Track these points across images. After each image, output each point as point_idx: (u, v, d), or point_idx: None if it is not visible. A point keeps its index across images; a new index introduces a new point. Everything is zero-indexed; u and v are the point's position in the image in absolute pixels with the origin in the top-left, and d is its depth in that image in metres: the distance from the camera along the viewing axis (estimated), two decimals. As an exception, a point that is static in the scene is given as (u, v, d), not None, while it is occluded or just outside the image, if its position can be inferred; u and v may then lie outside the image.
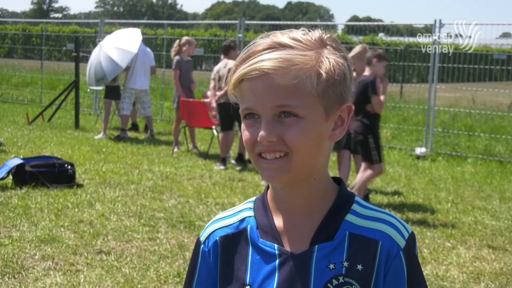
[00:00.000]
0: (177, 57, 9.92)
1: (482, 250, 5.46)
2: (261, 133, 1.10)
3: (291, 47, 1.11)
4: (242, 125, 1.16)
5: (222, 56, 9.14)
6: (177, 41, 10.21)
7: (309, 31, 1.16)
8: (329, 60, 1.12)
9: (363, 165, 6.68)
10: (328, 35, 1.16)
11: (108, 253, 4.88)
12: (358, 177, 6.72)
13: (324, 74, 1.10)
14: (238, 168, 8.67)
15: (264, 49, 1.12)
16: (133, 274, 4.48)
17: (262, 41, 1.13)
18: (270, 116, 1.10)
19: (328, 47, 1.14)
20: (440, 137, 11.39)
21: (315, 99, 1.11)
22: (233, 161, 8.91)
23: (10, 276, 4.33)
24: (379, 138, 6.68)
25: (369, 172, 6.53)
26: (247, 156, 8.79)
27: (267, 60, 1.09)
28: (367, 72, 6.56)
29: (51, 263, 4.60)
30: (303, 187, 1.17)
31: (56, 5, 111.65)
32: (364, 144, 6.51)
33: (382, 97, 6.66)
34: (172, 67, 10.13)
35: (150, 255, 4.89)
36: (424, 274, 1.21)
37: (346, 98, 1.16)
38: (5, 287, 4.18)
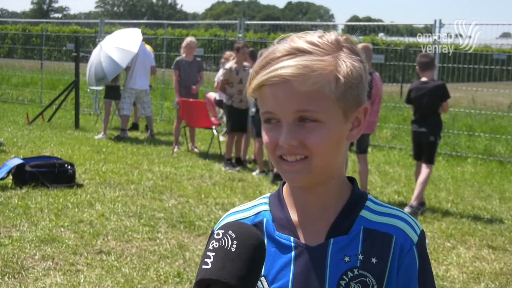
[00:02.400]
0: (178, 58, 9.95)
1: (482, 250, 5.46)
2: (283, 137, 1.13)
3: (309, 52, 1.13)
4: (263, 129, 1.18)
5: (233, 58, 9.16)
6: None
7: (325, 33, 1.18)
8: (346, 64, 1.14)
9: (424, 167, 6.77)
10: (344, 37, 1.18)
11: (108, 253, 4.88)
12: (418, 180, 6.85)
13: (342, 78, 1.13)
14: (237, 168, 8.67)
15: (283, 55, 1.13)
16: (133, 274, 4.48)
17: (280, 47, 1.15)
18: (291, 120, 1.13)
19: (344, 49, 1.16)
20: (440, 137, 11.38)
21: (334, 103, 1.13)
22: (223, 167, 8.75)
23: (10, 276, 4.33)
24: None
25: (426, 172, 6.72)
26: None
27: (287, 67, 1.11)
28: (428, 77, 6.77)
29: (51, 263, 4.60)
30: (321, 186, 1.20)
31: (56, 5, 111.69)
32: (432, 145, 6.71)
33: None
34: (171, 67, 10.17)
35: (150, 255, 4.89)
36: (433, 271, 1.23)
37: (362, 100, 1.18)
38: (5, 287, 4.18)
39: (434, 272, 4.74)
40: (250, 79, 1.17)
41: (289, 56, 1.13)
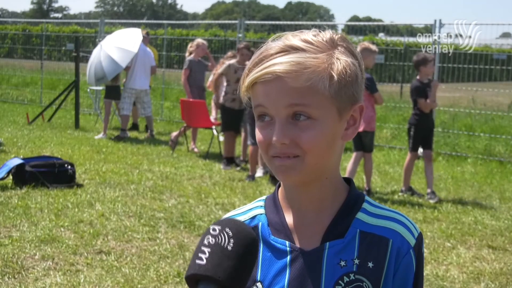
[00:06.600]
0: (189, 57, 10.02)
1: (482, 250, 5.46)
2: (275, 135, 1.11)
3: (302, 49, 1.12)
4: (256, 127, 1.16)
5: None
6: (190, 43, 10.39)
7: (320, 31, 1.16)
8: (341, 61, 1.12)
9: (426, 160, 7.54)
10: (339, 35, 1.17)
11: (108, 253, 4.88)
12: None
13: (336, 76, 1.11)
14: (237, 168, 8.66)
15: (276, 53, 1.12)
16: (133, 274, 4.48)
17: (274, 44, 1.14)
18: (283, 118, 1.11)
19: (339, 47, 1.15)
20: (440, 137, 11.38)
21: (328, 101, 1.11)
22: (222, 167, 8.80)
23: (10, 276, 4.33)
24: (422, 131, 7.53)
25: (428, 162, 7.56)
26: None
27: (280, 64, 1.10)
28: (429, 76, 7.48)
29: (51, 263, 4.60)
30: (314, 186, 1.17)
31: (56, 5, 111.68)
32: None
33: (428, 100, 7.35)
34: (182, 67, 10.30)
35: (150, 255, 4.89)
36: (424, 274, 1.23)
37: (358, 98, 1.16)
38: (5, 287, 4.18)
39: (434, 272, 4.76)
40: (243, 77, 1.15)
41: (282, 53, 1.11)
